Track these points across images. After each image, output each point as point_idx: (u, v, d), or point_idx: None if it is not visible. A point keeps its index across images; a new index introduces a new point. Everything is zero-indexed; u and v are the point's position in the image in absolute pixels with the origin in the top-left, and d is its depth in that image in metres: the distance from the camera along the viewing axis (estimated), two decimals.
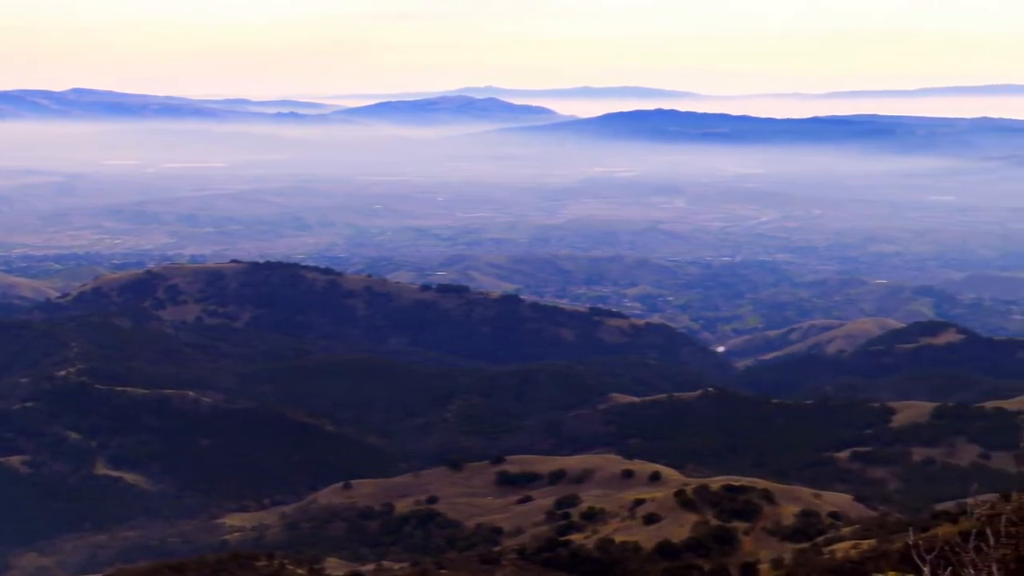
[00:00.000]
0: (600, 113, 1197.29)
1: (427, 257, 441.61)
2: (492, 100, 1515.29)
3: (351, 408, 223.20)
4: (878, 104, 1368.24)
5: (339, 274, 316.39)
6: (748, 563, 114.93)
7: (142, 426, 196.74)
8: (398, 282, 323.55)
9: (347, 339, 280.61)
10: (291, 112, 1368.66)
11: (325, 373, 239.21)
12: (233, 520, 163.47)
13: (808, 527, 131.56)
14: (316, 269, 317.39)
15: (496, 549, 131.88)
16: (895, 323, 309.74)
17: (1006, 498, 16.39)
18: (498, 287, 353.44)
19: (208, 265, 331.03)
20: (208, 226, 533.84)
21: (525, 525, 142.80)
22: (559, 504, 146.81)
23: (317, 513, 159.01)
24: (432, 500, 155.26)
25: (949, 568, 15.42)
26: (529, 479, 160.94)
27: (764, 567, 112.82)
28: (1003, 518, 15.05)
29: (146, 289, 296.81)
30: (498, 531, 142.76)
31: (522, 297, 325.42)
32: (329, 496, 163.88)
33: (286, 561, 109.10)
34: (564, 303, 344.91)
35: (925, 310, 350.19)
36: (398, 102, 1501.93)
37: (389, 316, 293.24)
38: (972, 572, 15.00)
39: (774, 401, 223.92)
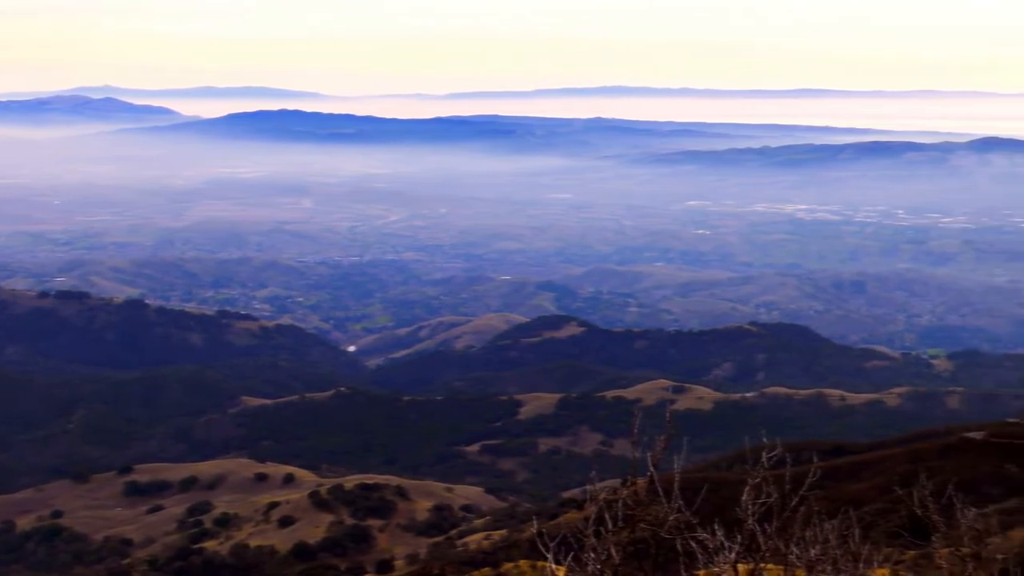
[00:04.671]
0: (224, 113, 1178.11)
1: (44, 263, 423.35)
2: (110, 100, 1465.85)
3: None
4: (498, 105, 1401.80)
5: None
6: (384, 560, 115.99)
7: None
8: (13, 289, 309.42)
9: None
10: None
11: None
12: None
13: (442, 521, 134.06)
14: None
15: (126, 561, 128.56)
16: (520, 318, 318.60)
17: (625, 483, 17.16)
18: (122, 292, 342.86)
19: None
20: None
21: (156, 535, 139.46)
22: (191, 511, 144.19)
23: None
24: (56, 514, 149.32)
25: (571, 554, 16.03)
26: (159, 488, 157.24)
27: (400, 563, 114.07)
28: (620, 502, 15.74)
29: None
30: (128, 543, 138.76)
31: (147, 301, 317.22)
32: None
33: None
34: (191, 306, 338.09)
35: (548, 304, 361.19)
36: (7, 102, 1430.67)
37: (4, 325, 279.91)
38: (593, 556, 15.62)
39: (405, 398, 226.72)
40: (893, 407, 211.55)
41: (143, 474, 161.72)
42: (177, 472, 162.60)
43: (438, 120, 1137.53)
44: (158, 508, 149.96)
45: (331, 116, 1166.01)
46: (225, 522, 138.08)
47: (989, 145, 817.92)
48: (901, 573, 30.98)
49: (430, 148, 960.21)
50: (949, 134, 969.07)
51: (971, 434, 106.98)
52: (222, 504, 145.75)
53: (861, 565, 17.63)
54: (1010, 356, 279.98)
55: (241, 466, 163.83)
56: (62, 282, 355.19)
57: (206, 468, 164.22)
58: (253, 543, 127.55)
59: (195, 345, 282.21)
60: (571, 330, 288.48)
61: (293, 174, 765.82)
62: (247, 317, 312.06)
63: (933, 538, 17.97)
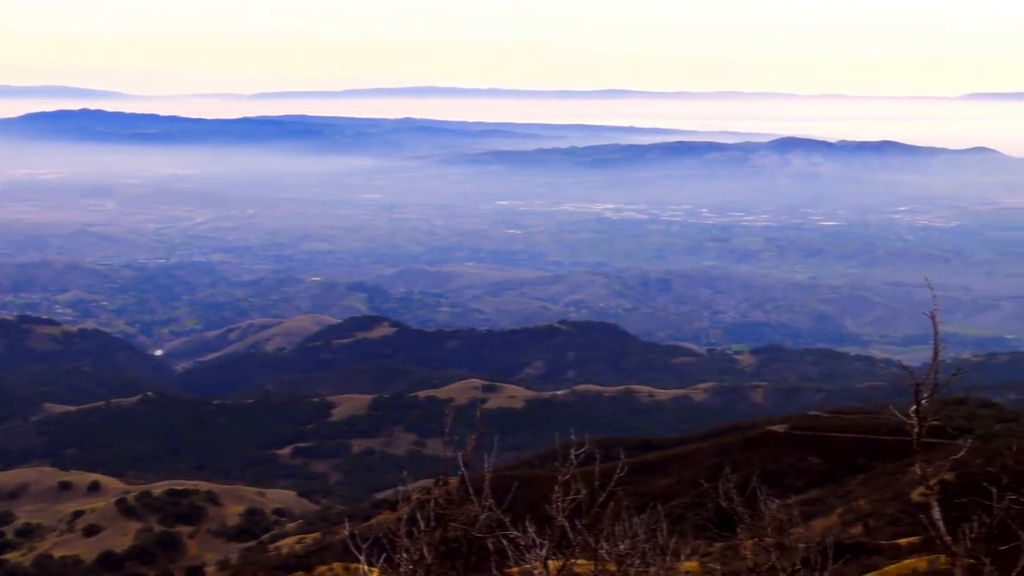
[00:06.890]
0: (22, 113, 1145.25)
1: None
2: None
3: None
4: (307, 105, 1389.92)
5: None
6: (194, 567, 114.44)
7: None
8: None
9: None
10: None
11: None
12: None
13: (253, 525, 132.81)
14: None
15: None
16: (331, 319, 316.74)
17: (437, 482, 17.22)
18: None
19: None
20: None
21: None
22: None
23: None
24: None
25: (384, 555, 16.03)
26: None
27: (211, 569, 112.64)
28: (433, 502, 15.80)
29: None
30: None
31: None
32: None
33: None
34: None
35: (359, 305, 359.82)
36: None
37: None
38: (405, 556, 15.64)
39: (215, 402, 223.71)
40: (699, 402, 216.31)
41: None
42: None
43: (246, 120, 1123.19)
44: None
45: (134, 116, 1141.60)
46: (28, 533, 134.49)
47: (788, 145, 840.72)
48: (708, 565, 31.63)
49: (238, 148, 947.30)
50: (750, 134, 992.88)
51: (774, 427, 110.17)
52: (24, 514, 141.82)
53: (669, 558, 17.97)
54: (811, 350, 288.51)
55: (44, 475, 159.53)
56: None
57: (6, 477, 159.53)
58: (57, 553, 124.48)
59: None
60: (383, 330, 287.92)
61: (96, 175, 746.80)
62: (49, 322, 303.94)
63: (738, 530, 18.40)
